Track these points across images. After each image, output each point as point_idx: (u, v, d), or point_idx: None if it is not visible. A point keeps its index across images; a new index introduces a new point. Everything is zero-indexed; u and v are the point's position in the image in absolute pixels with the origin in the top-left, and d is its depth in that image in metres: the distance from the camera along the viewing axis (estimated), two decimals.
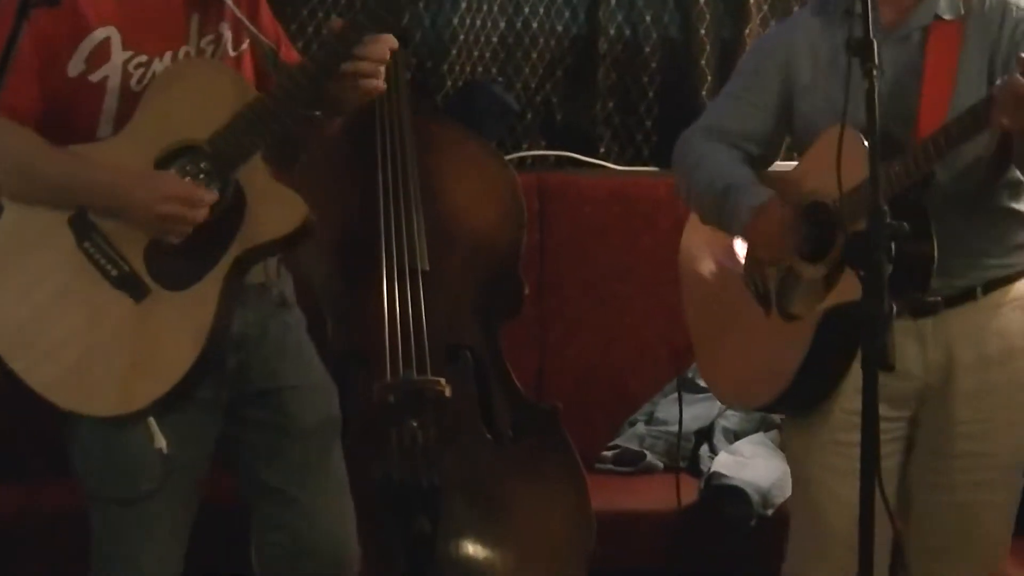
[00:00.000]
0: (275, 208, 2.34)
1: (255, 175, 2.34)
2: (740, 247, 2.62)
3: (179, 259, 2.32)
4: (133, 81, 2.34)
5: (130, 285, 2.32)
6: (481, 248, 3.29)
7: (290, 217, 2.35)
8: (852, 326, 2.34)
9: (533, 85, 3.95)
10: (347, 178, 3.26)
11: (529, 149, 3.95)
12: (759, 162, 2.62)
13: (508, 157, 3.75)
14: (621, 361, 3.72)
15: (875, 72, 1.97)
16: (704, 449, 3.48)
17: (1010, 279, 2.46)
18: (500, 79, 3.91)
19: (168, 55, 2.36)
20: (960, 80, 2.35)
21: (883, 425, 2.40)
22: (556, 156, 3.96)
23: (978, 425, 2.44)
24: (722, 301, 2.66)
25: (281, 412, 2.49)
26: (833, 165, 2.08)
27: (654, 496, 3.32)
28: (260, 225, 2.33)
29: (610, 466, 3.51)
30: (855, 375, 2.38)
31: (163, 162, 2.32)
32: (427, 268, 3.16)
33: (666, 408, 3.59)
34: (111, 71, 2.32)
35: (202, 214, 2.29)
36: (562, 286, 3.75)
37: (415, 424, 2.99)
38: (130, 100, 2.33)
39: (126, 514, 2.40)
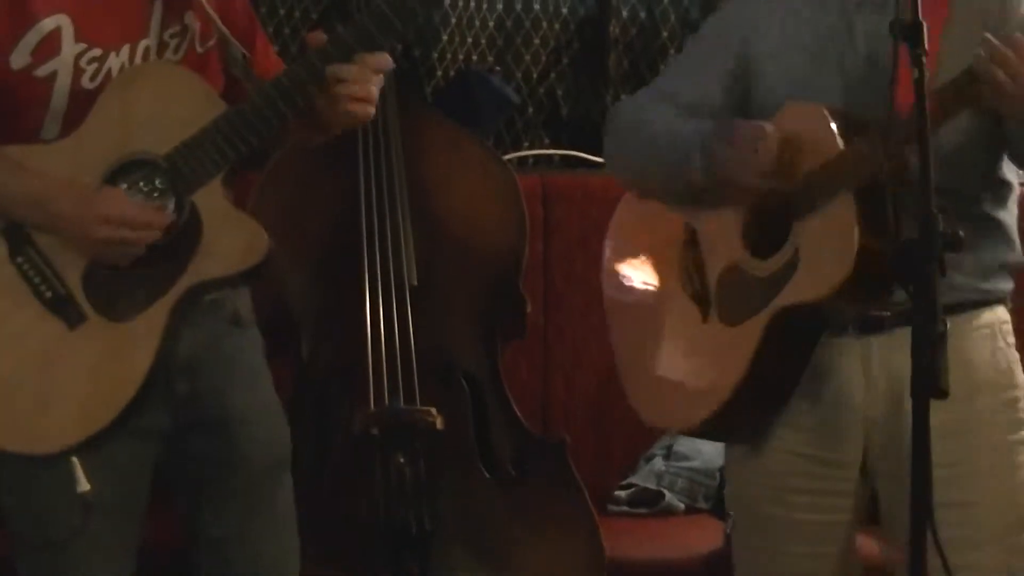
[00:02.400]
0: (235, 239, 2.34)
1: (213, 199, 2.33)
2: (672, 239, 2.55)
3: (122, 284, 2.32)
4: (85, 78, 2.32)
5: (64, 309, 2.31)
6: (477, 260, 3.29)
7: (250, 251, 2.35)
8: (804, 333, 2.35)
9: (535, 74, 3.96)
10: (325, 181, 3.27)
11: (531, 147, 3.96)
12: None
13: (507, 156, 3.77)
14: None
15: (923, 59, 1.94)
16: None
17: (979, 305, 2.36)
18: (498, 68, 3.92)
19: (126, 49, 2.34)
20: (943, 55, 2.22)
21: (823, 471, 2.40)
22: (561, 155, 3.97)
23: (950, 470, 2.24)
24: (651, 306, 2.62)
25: (229, 446, 2.49)
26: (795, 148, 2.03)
27: (674, 541, 3.32)
28: (216, 257, 2.33)
29: (625, 507, 3.53)
30: (803, 413, 2.39)
31: (114, 176, 2.31)
32: (415, 283, 3.17)
33: (687, 441, 3.59)
34: (60, 66, 2.30)
35: (151, 237, 2.29)
36: (569, 301, 3.74)
37: (402, 460, 3.00)
38: (81, 99, 2.32)
39: (56, 560, 2.38)
